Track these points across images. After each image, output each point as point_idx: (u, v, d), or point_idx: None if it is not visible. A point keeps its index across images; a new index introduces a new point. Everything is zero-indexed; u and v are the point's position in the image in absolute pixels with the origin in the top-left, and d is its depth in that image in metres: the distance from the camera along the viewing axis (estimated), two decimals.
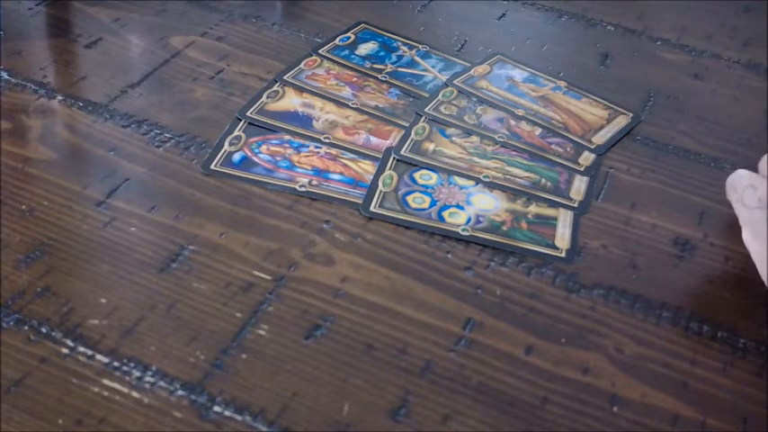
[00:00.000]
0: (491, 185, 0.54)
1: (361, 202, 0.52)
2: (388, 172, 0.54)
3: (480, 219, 0.52)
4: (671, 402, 0.43)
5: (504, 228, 0.51)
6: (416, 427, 0.41)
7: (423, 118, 0.58)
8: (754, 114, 0.62)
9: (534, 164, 0.56)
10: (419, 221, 0.51)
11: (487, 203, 0.53)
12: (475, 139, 0.57)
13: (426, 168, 0.55)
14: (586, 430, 0.41)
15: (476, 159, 0.56)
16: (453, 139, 0.57)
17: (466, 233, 0.51)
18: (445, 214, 0.52)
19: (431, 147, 0.56)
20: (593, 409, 0.42)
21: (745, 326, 0.47)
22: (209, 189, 0.52)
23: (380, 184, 0.53)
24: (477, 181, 0.54)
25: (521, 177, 0.55)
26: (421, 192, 0.53)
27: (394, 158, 0.55)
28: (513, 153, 0.56)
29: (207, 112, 0.58)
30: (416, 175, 0.54)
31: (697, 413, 0.42)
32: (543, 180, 0.54)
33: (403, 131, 0.57)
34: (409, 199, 0.53)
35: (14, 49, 0.62)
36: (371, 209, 0.52)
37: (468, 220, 0.52)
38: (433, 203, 0.52)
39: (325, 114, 0.58)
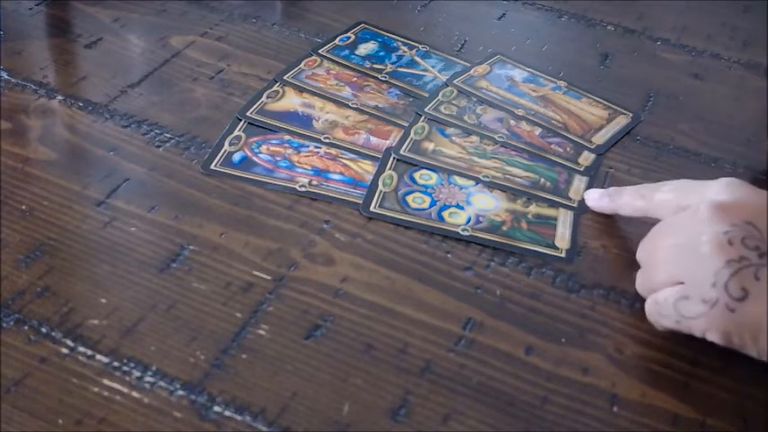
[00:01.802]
0: (491, 185, 0.54)
1: (361, 202, 0.52)
2: (388, 172, 0.54)
3: (480, 219, 0.52)
4: (671, 402, 0.43)
5: (505, 228, 0.51)
6: (416, 427, 0.41)
7: (422, 117, 0.58)
8: (754, 114, 0.62)
9: (534, 164, 0.56)
10: (419, 221, 0.51)
11: (487, 203, 0.53)
12: (474, 138, 0.57)
13: (426, 168, 0.55)
14: (586, 430, 0.41)
15: (475, 159, 0.56)
16: (453, 138, 0.57)
17: (466, 233, 0.51)
18: (445, 214, 0.52)
19: (430, 146, 0.56)
20: (593, 409, 0.42)
21: None
22: (209, 189, 0.52)
23: (380, 184, 0.53)
24: (477, 181, 0.54)
25: (520, 177, 0.55)
26: (421, 192, 0.53)
27: (394, 158, 0.55)
28: (513, 153, 0.56)
29: (207, 112, 0.58)
30: (416, 176, 0.54)
31: (697, 413, 0.42)
32: (543, 180, 0.54)
33: (403, 131, 0.57)
34: (409, 199, 0.53)
35: (14, 49, 0.62)
36: (371, 209, 0.52)
37: (468, 220, 0.52)
38: (433, 203, 0.52)
39: (325, 114, 0.58)
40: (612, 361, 0.45)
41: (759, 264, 0.41)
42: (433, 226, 0.51)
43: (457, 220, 0.52)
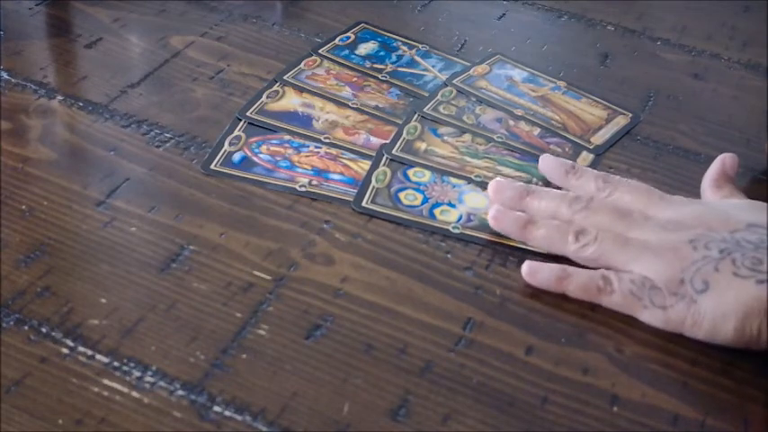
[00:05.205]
0: (483, 185, 0.54)
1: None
2: (381, 168, 0.54)
3: (471, 217, 0.52)
4: (671, 402, 0.43)
5: None
6: (416, 427, 0.41)
7: (415, 116, 0.58)
8: (754, 114, 0.62)
9: (526, 163, 0.56)
10: (410, 218, 0.51)
11: (479, 202, 0.53)
12: (467, 138, 0.57)
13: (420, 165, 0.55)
14: (586, 430, 0.41)
15: (467, 159, 0.55)
16: (445, 138, 0.57)
17: (456, 231, 0.51)
18: (437, 212, 0.52)
19: (423, 146, 0.56)
20: (593, 409, 0.42)
21: None
22: (209, 189, 0.52)
23: (374, 179, 0.53)
24: (469, 180, 0.54)
25: (512, 177, 0.54)
26: (413, 189, 0.53)
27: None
28: (505, 152, 0.56)
29: (207, 112, 0.58)
30: (410, 173, 0.54)
31: (697, 413, 0.42)
32: (534, 179, 0.54)
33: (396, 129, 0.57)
34: (401, 196, 0.53)
35: (14, 49, 0.62)
36: (363, 204, 0.52)
37: (460, 218, 0.52)
38: (425, 201, 0.52)
39: (325, 114, 0.58)
40: (612, 361, 0.45)
41: (719, 258, 0.45)
42: (424, 223, 0.51)
43: (448, 217, 0.52)
